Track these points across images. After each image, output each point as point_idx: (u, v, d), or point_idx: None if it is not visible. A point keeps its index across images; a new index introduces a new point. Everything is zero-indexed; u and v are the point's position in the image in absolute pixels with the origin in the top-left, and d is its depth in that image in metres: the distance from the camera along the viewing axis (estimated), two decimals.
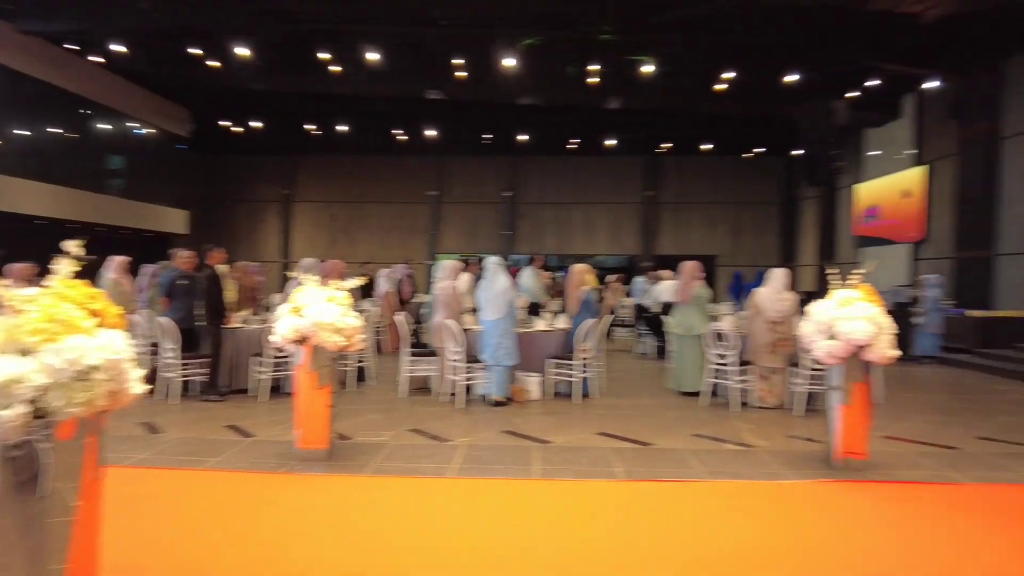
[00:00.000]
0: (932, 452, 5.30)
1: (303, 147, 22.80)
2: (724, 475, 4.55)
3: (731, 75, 14.15)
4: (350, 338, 4.63)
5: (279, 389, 6.97)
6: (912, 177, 15.47)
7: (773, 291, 6.93)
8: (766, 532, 3.58)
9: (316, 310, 4.52)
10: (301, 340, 4.55)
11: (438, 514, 3.79)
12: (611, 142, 20.78)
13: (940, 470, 4.79)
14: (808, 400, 6.61)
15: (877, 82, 14.39)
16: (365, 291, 10.90)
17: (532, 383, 7.08)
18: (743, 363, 6.84)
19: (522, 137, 20.55)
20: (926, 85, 14.03)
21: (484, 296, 6.76)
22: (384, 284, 10.91)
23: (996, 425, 6.38)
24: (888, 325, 4.44)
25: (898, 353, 4.56)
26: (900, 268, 15.54)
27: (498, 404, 6.70)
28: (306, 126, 20.27)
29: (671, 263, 8.43)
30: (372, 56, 13.52)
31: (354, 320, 4.70)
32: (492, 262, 6.93)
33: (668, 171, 23.29)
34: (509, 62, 13.41)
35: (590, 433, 5.72)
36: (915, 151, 15.59)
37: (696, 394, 7.23)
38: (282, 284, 8.99)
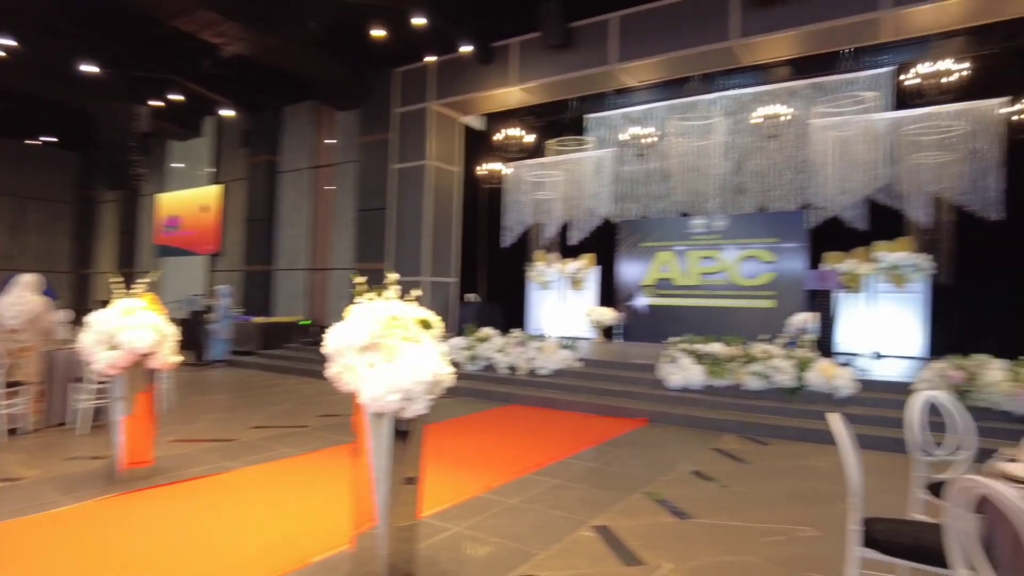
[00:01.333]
0: (214, 447, 5.83)
1: None
2: None
3: (10, 43, 11.99)
4: None
5: None
6: (210, 193, 16.66)
7: (15, 297, 6.26)
8: (38, 571, 3.19)
9: None
10: None
11: None
12: None
13: (219, 462, 5.31)
14: (96, 415, 6.25)
15: (181, 97, 14.89)
16: None
17: None
18: (12, 384, 5.87)
19: None
20: (223, 112, 15.35)
21: None
22: None
23: (268, 414, 7.54)
24: (171, 332, 4.66)
25: (181, 359, 4.84)
26: (199, 278, 16.47)
27: None
28: None
29: None
30: None
31: None
32: None
33: None
34: None
35: None
36: (213, 170, 16.85)
37: None
38: None
